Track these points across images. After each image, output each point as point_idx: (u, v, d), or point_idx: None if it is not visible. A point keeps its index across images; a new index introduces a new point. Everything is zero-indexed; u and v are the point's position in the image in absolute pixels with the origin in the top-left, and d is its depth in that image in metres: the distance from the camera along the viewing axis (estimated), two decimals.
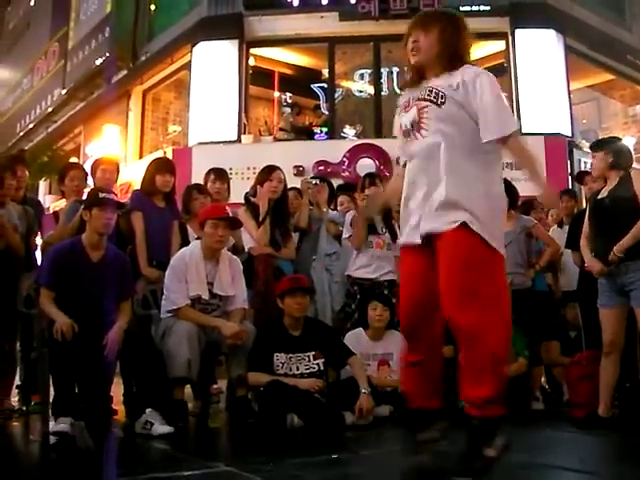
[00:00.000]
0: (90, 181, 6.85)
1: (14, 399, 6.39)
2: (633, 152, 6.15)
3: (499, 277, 3.58)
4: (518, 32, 13.46)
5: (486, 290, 3.42)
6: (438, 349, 3.82)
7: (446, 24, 3.75)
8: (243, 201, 6.89)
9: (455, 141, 3.55)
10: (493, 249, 3.48)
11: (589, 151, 6.56)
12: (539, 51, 13.41)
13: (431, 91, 3.61)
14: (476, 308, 3.37)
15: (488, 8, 13.31)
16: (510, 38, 13.54)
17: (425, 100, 3.62)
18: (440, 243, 3.53)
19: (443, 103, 3.56)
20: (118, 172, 6.95)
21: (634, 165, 5.78)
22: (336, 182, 8.83)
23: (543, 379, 7.43)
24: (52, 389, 5.08)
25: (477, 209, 3.47)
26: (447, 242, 3.49)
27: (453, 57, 3.68)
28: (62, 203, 6.62)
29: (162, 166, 6.54)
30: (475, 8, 13.28)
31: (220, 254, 5.72)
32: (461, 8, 13.10)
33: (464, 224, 3.44)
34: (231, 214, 6.09)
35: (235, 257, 5.94)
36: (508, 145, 3.59)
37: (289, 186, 7.06)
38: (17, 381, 6.50)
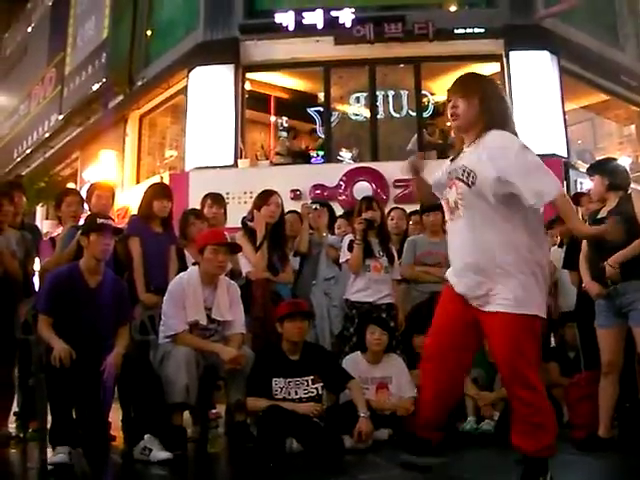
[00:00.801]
0: (86, 207, 6.84)
1: (12, 426, 6.35)
2: (630, 172, 6.17)
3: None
4: (512, 54, 13.51)
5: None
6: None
7: (485, 87, 3.99)
8: (240, 226, 6.89)
9: (485, 218, 3.77)
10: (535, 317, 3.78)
11: (585, 172, 6.58)
12: (533, 72, 13.45)
13: (464, 171, 3.80)
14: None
15: (482, 30, 13.40)
16: (504, 60, 13.59)
17: (459, 180, 3.83)
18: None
19: (474, 184, 3.74)
20: (114, 197, 6.95)
21: (632, 185, 5.80)
22: (333, 206, 8.81)
23: None
24: (50, 416, 5.06)
25: (514, 289, 3.73)
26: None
27: (492, 121, 3.85)
28: (59, 229, 6.60)
29: (159, 191, 6.55)
30: (469, 30, 13.38)
31: (218, 279, 5.72)
32: (456, 31, 13.28)
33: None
34: (229, 239, 6.09)
35: (233, 282, 5.93)
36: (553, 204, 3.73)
37: (286, 210, 7.07)
38: (15, 408, 6.46)
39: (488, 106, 3.89)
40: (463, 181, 3.80)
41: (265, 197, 6.70)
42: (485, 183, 3.72)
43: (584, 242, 5.78)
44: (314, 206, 7.93)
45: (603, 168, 5.81)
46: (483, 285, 3.79)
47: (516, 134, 3.90)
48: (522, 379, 3.73)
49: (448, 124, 4.07)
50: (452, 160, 4.04)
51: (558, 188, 3.71)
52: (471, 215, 3.80)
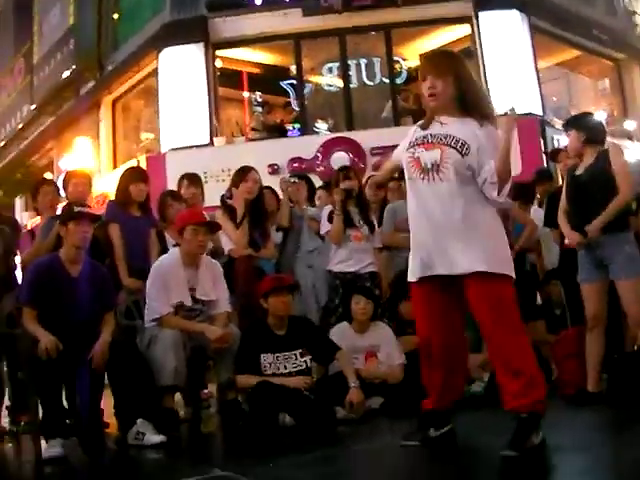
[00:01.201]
0: (63, 195, 6.80)
1: (4, 420, 6.34)
2: (606, 125, 6.18)
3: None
4: (482, 15, 13.48)
5: None
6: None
7: (459, 67, 4.08)
8: (220, 204, 6.86)
9: (468, 189, 3.89)
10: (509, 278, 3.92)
11: (561, 128, 6.58)
12: (504, 32, 13.45)
13: (457, 141, 3.88)
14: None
15: None
16: (474, 21, 13.57)
17: (450, 147, 3.89)
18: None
19: (467, 155, 3.86)
20: (90, 184, 6.92)
21: (608, 138, 5.81)
22: (311, 178, 8.79)
23: None
24: (40, 408, 5.05)
25: (494, 253, 3.89)
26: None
27: (469, 99, 3.99)
28: (37, 220, 6.56)
29: (135, 176, 6.51)
30: None
31: (200, 259, 5.70)
32: None
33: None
34: (208, 218, 6.07)
35: (215, 261, 5.92)
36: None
37: (264, 185, 7.05)
38: (6, 402, 6.45)
39: (465, 84, 4.00)
40: (456, 149, 3.87)
41: (242, 174, 6.68)
42: (471, 160, 3.86)
43: (562, 197, 5.80)
44: (292, 180, 7.90)
45: (579, 123, 5.80)
46: (459, 246, 3.87)
47: (491, 103, 4.14)
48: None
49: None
50: (423, 128, 4.08)
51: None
52: (454, 181, 3.87)
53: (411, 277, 4.11)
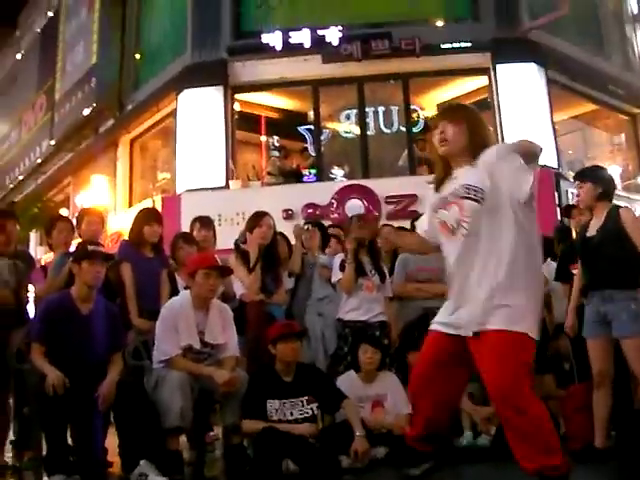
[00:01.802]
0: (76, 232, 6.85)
1: (8, 455, 6.33)
2: (620, 180, 6.21)
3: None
4: (500, 67, 13.62)
5: None
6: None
7: (472, 116, 4.05)
8: (233, 247, 6.89)
9: (494, 235, 3.78)
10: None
11: (573, 180, 6.60)
12: (521, 85, 13.57)
13: (469, 188, 3.80)
14: None
15: (469, 44, 13.50)
16: (492, 73, 13.70)
17: (465, 198, 3.82)
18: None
19: (483, 199, 3.76)
20: (104, 223, 6.96)
21: (620, 193, 5.83)
22: (325, 224, 8.81)
23: None
24: (44, 444, 5.05)
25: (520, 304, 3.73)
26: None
27: (480, 149, 3.89)
28: (50, 256, 6.59)
29: (149, 217, 6.56)
30: (456, 45, 13.47)
31: (210, 303, 5.71)
32: (442, 46, 13.35)
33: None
34: (220, 261, 6.09)
35: (225, 305, 5.92)
36: None
37: (278, 230, 7.08)
38: (11, 436, 6.45)
39: (476, 132, 3.97)
40: (470, 198, 3.81)
41: (257, 219, 6.70)
42: (498, 193, 3.76)
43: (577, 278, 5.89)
44: (306, 226, 7.92)
45: (596, 175, 5.80)
46: (493, 300, 3.74)
47: None
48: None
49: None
50: (437, 189, 4.07)
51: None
52: (478, 230, 3.80)
53: (434, 327, 4.04)
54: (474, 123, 4.02)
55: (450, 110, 4.19)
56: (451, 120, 3.98)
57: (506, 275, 3.72)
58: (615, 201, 5.77)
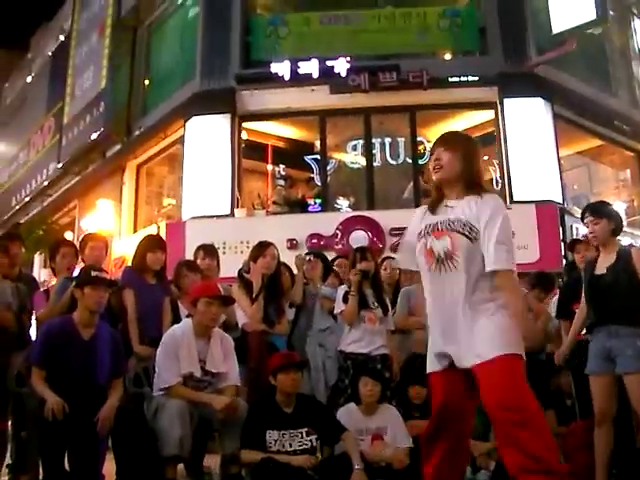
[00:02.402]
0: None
1: (4, 478, 6.31)
2: (625, 216, 6.23)
3: None
4: (507, 101, 13.64)
5: None
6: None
7: (468, 145, 4.09)
8: (237, 276, 6.90)
9: (481, 273, 3.80)
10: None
11: (580, 216, 6.60)
12: (528, 119, 13.59)
13: (465, 225, 3.83)
14: None
15: (476, 78, 13.55)
16: (499, 107, 13.72)
17: (459, 233, 3.84)
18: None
19: (476, 239, 3.80)
20: (107, 248, 6.97)
21: (625, 229, 5.84)
22: (329, 255, 8.82)
23: None
24: (41, 469, 5.03)
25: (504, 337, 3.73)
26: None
27: (473, 178, 3.96)
28: (53, 281, 6.60)
29: (153, 243, 6.59)
30: (463, 78, 13.53)
31: (212, 331, 5.72)
32: (450, 79, 13.41)
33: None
34: (222, 290, 6.10)
35: (226, 335, 5.93)
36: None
37: (281, 259, 7.08)
38: (8, 460, 6.42)
39: (471, 162, 4.01)
40: (465, 235, 3.82)
41: (261, 249, 6.72)
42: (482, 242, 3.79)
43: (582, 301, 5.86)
44: (308, 257, 7.93)
45: (609, 212, 5.82)
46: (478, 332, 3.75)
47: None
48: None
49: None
50: (432, 211, 4.06)
51: (512, 265, 3.81)
52: (468, 268, 3.80)
53: (430, 369, 4.03)
54: (469, 152, 4.05)
55: (446, 137, 4.19)
56: (447, 147, 4.01)
57: (482, 302, 3.78)
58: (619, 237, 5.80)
